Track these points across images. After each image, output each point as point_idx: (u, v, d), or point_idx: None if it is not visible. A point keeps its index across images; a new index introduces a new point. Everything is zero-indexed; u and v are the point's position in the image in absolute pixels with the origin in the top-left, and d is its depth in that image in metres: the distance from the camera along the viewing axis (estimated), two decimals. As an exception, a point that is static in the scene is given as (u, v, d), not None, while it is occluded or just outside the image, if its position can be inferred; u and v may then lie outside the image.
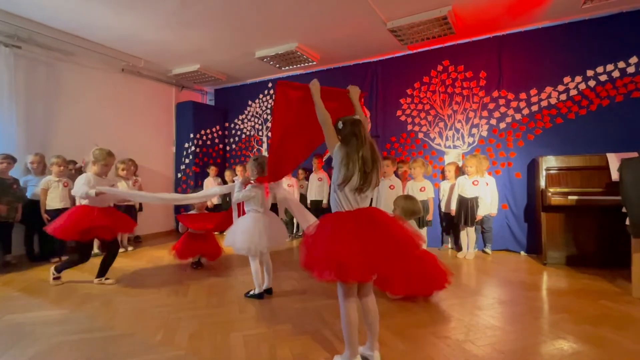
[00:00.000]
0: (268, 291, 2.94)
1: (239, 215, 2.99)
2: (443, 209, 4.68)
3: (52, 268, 3.27)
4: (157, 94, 6.16)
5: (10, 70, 4.10)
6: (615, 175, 3.52)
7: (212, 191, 3.52)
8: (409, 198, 2.82)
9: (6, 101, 4.06)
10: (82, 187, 3.01)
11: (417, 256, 2.09)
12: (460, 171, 4.56)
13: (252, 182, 2.85)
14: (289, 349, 2.02)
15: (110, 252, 3.34)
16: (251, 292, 2.90)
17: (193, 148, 6.33)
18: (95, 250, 4.57)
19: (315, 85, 2.01)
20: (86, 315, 2.56)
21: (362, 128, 1.80)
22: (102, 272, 3.30)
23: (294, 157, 2.61)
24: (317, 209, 5.29)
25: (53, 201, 4.04)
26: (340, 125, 1.84)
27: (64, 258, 4.16)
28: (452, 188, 4.50)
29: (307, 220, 3.08)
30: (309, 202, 5.33)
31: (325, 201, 5.23)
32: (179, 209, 6.10)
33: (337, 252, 1.60)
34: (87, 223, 3.00)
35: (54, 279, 3.24)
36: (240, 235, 2.78)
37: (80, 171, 4.55)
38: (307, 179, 5.62)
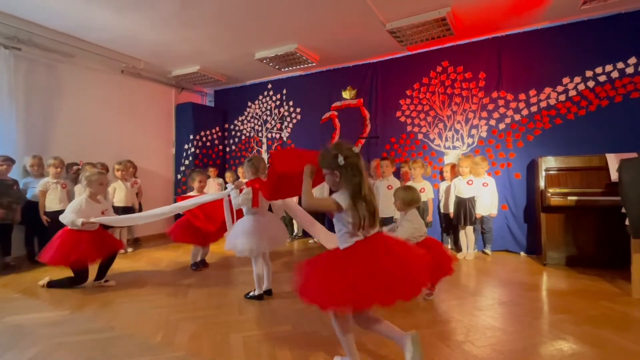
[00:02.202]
0: (268, 292, 2.94)
1: (233, 219, 2.98)
2: (442, 210, 4.68)
3: (46, 281, 3.20)
4: (156, 96, 6.17)
5: (10, 72, 4.11)
6: (614, 176, 3.52)
7: (203, 198, 3.38)
8: (407, 188, 2.81)
9: (6, 102, 4.07)
10: (69, 215, 3.02)
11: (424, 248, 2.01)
12: (455, 172, 4.58)
13: (245, 184, 2.86)
14: (288, 350, 2.01)
15: (108, 255, 3.31)
16: (251, 293, 2.90)
17: (193, 149, 6.33)
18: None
19: (309, 169, 1.80)
20: (86, 316, 2.56)
21: (362, 162, 1.70)
22: (101, 274, 3.29)
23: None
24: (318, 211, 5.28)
25: (52, 203, 4.05)
26: (341, 161, 1.66)
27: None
28: (448, 189, 4.53)
29: (309, 222, 3.09)
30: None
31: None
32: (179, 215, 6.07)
33: (355, 286, 1.53)
34: (77, 253, 2.97)
35: (43, 286, 3.20)
36: (241, 237, 2.77)
37: (78, 174, 4.55)
38: None
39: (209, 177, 5.41)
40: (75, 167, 4.51)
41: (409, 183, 4.51)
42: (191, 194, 3.90)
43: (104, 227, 3.45)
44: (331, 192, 1.85)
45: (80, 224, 2.98)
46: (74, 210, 3.03)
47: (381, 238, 1.73)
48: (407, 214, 2.71)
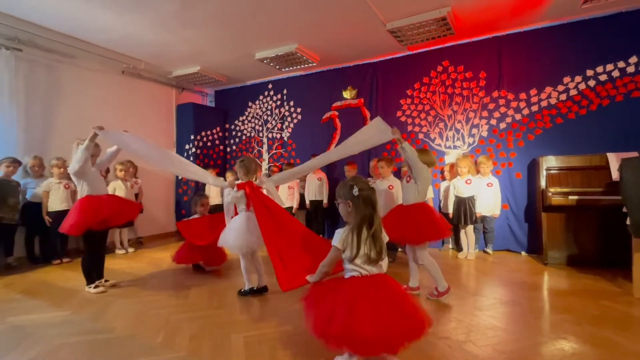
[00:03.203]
0: (263, 289, 3.00)
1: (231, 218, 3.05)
2: (442, 210, 4.68)
3: (86, 287, 3.13)
4: (157, 96, 6.18)
5: (10, 73, 4.12)
6: (615, 175, 3.52)
7: (204, 177, 3.33)
8: (422, 151, 2.88)
9: (7, 103, 4.08)
10: (79, 155, 2.91)
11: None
12: (454, 172, 4.57)
13: (237, 183, 2.92)
14: (289, 349, 2.02)
15: (97, 253, 3.23)
16: (243, 290, 2.98)
17: (193, 149, 6.34)
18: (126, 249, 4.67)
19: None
20: (87, 317, 2.56)
21: (376, 197, 1.74)
22: (99, 275, 3.26)
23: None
24: (317, 208, 5.30)
25: (54, 203, 4.06)
26: (355, 192, 1.70)
27: (65, 260, 4.18)
28: (447, 189, 4.53)
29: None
30: (307, 202, 5.32)
31: (325, 201, 5.23)
32: (180, 216, 6.10)
33: (358, 326, 1.50)
34: (97, 215, 2.94)
35: (94, 288, 3.11)
36: (232, 234, 2.85)
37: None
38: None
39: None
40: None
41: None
42: (195, 216, 3.98)
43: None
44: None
45: (94, 132, 2.91)
46: (80, 151, 2.93)
47: (382, 281, 1.69)
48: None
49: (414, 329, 1.61)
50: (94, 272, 3.19)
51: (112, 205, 3.08)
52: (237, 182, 2.97)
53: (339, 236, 1.71)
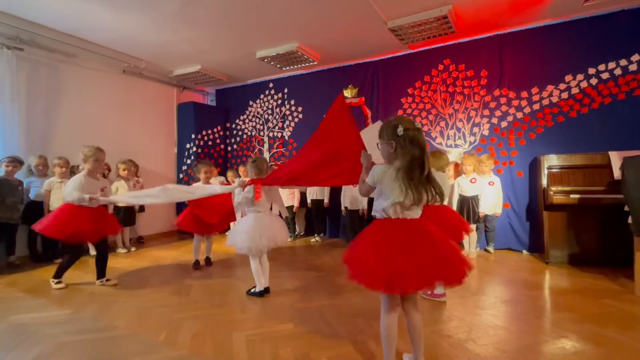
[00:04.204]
0: (266, 290, 2.99)
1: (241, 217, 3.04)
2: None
3: (51, 279, 3.19)
4: (158, 95, 6.18)
5: (12, 72, 4.12)
6: (617, 174, 3.51)
7: (212, 189, 3.38)
8: (432, 154, 2.84)
9: (8, 103, 4.08)
10: (73, 192, 2.96)
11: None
12: (459, 170, 4.56)
13: (247, 183, 2.91)
14: (291, 348, 2.02)
15: (100, 252, 3.31)
16: (252, 290, 2.96)
17: (195, 149, 6.34)
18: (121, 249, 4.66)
19: (365, 158, 1.92)
20: (89, 315, 2.57)
21: (423, 137, 1.65)
22: (101, 273, 3.29)
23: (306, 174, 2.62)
24: (318, 208, 5.30)
25: (57, 202, 4.05)
26: (400, 131, 1.60)
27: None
28: (451, 188, 4.50)
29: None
30: (309, 201, 5.33)
31: (326, 200, 5.23)
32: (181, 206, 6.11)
33: (388, 264, 1.52)
34: (74, 227, 2.92)
35: (56, 284, 3.18)
36: (241, 235, 2.83)
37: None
38: None
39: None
40: (80, 167, 4.54)
41: None
42: (197, 184, 3.93)
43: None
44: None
45: (87, 199, 2.95)
46: (75, 187, 2.98)
47: (418, 225, 1.65)
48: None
49: (452, 271, 1.59)
50: (65, 272, 3.18)
51: (89, 222, 2.97)
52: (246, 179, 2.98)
53: (374, 173, 1.68)
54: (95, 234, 3.11)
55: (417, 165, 1.60)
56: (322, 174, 2.47)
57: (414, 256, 1.54)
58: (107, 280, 3.30)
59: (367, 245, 1.67)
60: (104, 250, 3.33)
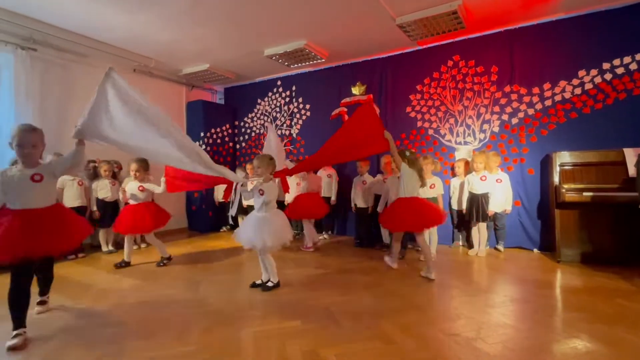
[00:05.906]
0: (260, 285, 3.08)
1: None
2: (454, 206, 4.62)
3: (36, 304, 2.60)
4: (167, 94, 6.25)
5: (27, 72, 4.21)
6: (632, 171, 3.43)
7: (227, 172, 3.14)
8: (409, 161, 3.52)
9: (23, 102, 4.17)
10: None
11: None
12: (469, 168, 4.51)
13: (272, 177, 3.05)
14: (298, 345, 2.03)
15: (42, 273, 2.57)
16: (269, 284, 3.05)
17: (203, 147, 6.39)
18: (110, 247, 4.69)
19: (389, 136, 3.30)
20: (101, 311, 2.63)
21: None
22: (42, 292, 2.63)
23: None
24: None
25: (69, 199, 4.15)
26: (407, 153, 3.42)
27: (80, 255, 4.29)
28: (462, 185, 4.45)
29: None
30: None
31: (333, 198, 5.21)
32: (190, 212, 6.19)
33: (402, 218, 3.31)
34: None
35: (14, 337, 2.09)
36: (246, 231, 2.95)
37: (95, 171, 4.65)
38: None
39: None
40: (91, 165, 4.63)
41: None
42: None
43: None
44: None
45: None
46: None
47: (415, 200, 3.37)
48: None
49: (435, 218, 3.34)
50: (21, 313, 2.17)
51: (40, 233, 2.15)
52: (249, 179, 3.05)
53: (405, 167, 3.34)
54: (42, 248, 2.19)
55: (418, 172, 3.42)
56: (350, 153, 3.45)
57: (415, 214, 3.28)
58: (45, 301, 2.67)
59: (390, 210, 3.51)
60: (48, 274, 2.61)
